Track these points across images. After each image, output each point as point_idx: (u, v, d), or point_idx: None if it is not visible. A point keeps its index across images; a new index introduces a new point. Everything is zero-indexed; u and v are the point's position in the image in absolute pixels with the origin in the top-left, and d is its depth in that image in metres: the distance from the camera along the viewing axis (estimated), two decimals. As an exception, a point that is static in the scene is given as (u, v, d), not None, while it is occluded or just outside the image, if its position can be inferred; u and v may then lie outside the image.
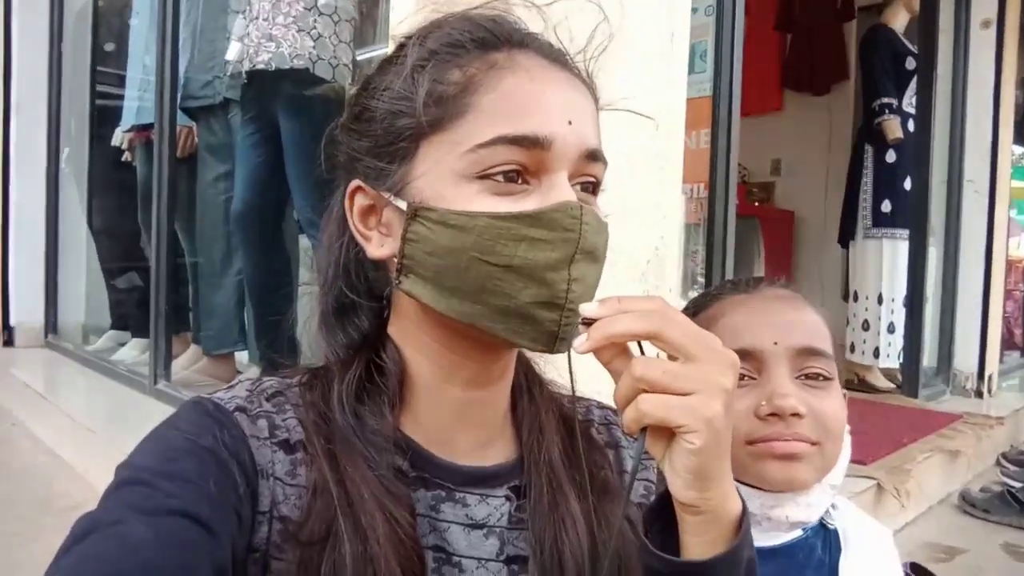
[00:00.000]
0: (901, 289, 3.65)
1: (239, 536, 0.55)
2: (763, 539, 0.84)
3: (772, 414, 0.81)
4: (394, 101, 0.61)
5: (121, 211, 3.51)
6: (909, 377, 3.63)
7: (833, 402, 0.85)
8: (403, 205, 0.59)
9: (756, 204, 5.10)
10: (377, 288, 0.68)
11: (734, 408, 0.54)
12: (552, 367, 0.73)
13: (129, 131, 3.34)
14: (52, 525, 1.60)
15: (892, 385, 3.74)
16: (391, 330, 0.67)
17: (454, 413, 0.65)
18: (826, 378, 0.85)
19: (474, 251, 0.56)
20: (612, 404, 0.78)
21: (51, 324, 3.82)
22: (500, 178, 0.57)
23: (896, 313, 3.66)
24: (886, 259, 3.66)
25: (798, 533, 0.88)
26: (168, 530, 0.50)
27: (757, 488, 0.83)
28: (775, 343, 0.83)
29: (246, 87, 2.49)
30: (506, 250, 0.56)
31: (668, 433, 0.53)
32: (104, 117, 3.81)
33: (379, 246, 0.63)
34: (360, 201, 0.64)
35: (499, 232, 0.56)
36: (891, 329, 3.66)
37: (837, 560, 0.89)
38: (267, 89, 2.41)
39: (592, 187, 0.63)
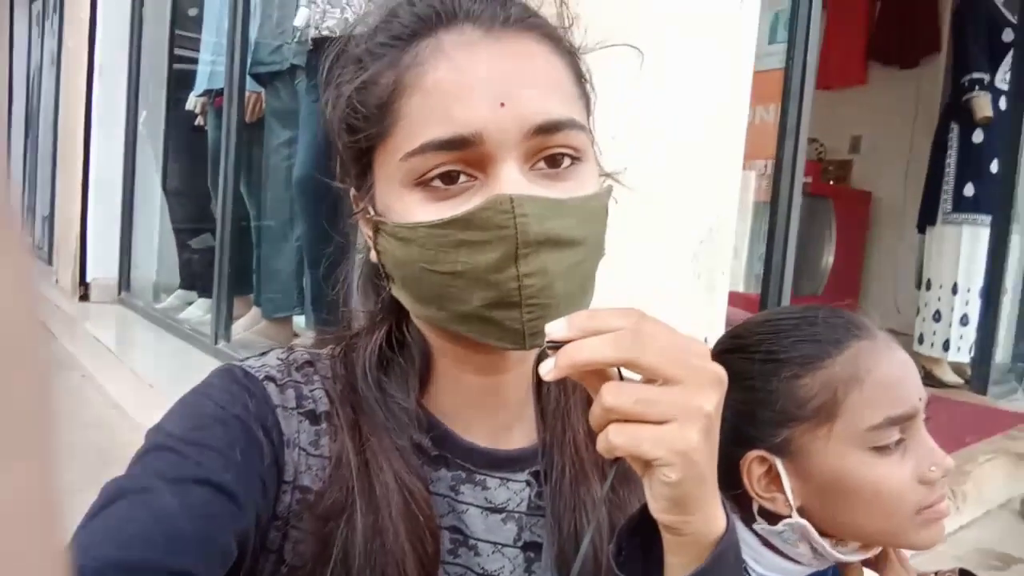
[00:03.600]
0: (978, 279, 3.44)
1: (263, 505, 0.56)
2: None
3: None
4: (348, 112, 0.59)
5: (194, 174, 3.61)
6: (979, 373, 3.44)
7: None
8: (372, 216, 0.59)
9: (831, 183, 4.90)
10: None
11: (716, 433, 0.49)
12: None
13: (202, 95, 3.41)
14: (110, 475, 1.68)
15: (960, 380, 3.56)
16: None
17: (471, 397, 0.64)
18: None
19: (421, 262, 0.55)
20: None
21: (124, 281, 3.96)
22: (438, 183, 0.54)
23: (971, 304, 3.45)
24: (964, 246, 3.44)
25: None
26: (193, 499, 0.51)
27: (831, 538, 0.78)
28: (920, 399, 0.76)
29: (312, 53, 2.50)
30: (448, 257, 0.54)
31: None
32: (181, 81, 3.90)
33: (373, 253, 0.63)
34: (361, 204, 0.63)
35: (437, 241, 0.54)
36: (964, 321, 3.47)
37: None
38: (331, 56, 2.40)
39: (566, 158, 0.56)
